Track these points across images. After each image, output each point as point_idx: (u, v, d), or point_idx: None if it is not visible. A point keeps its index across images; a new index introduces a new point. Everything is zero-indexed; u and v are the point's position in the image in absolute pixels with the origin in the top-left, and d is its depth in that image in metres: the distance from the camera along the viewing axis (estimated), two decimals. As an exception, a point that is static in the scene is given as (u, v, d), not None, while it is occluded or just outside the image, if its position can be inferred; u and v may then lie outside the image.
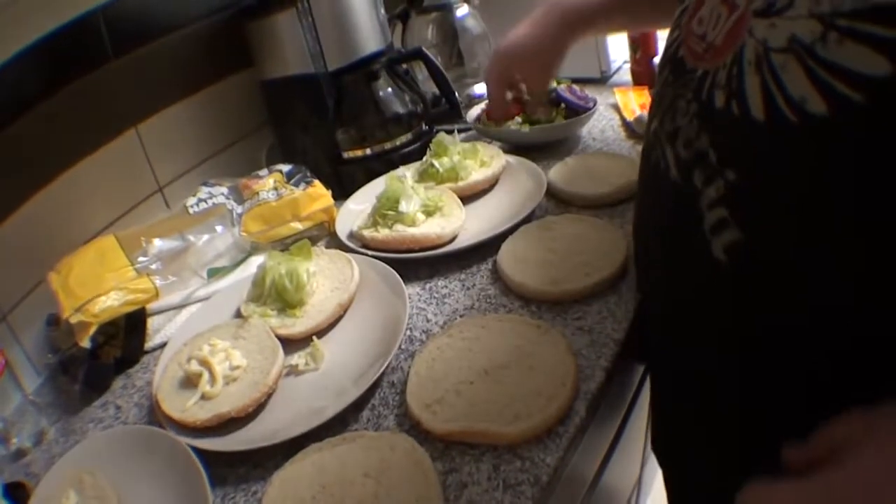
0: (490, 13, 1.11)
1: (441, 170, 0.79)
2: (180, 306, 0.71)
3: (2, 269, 0.66)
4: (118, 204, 0.80)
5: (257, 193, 0.77)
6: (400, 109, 0.91)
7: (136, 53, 0.80)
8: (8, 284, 0.67)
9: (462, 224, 0.71)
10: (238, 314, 0.65)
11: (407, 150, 0.91)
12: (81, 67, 0.74)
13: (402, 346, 0.58)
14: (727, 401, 0.45)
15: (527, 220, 0.70)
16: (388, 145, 0.90)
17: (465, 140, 0.85)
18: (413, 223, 0.70)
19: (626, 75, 1.09)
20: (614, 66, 1.12)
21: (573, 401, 0.47)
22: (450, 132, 0.84)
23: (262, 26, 0.85)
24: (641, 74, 1.03)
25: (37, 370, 0.68)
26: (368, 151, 0.90)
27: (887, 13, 0.29)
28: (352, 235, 0.75)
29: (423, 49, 0.90)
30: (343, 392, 0.52)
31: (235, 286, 0.70)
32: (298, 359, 0.58)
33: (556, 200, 0.76)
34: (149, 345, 0.67)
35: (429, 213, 0.72)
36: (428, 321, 0.60)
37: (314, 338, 0.59)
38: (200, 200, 0.76)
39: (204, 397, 0.53)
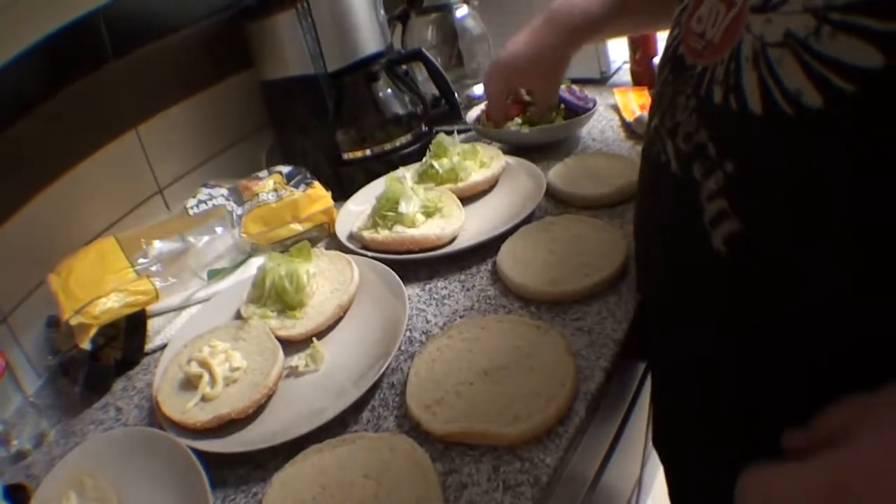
0: (490, 14, 1.11)
1: (441, 171, 0.79)
2: (180, 308, 0.71)
3: (2, 271, 0.66)
4: (118, 205, 0.80)
5: (257, 195, 0.77)
6: (400, 110, 0.91)
7: (136, 54, 0.80)
8: (8, 286, 0.67)
9: (462, 225, 0.71)
10: (238, 316, 0.65)
11: (407, 151, 0.91)
12: (81, 68, 0.74)
13: (402, 348, 0.58)
14: (727, 394, 0.45)
15: (526, 220, 0.70)
16: (387, 146, 0.90)
17: (464, 141, 0.85)
18: (413, 224, 0.71)
19: (625, 76, 1.09)
20: (614, 66, 1.12)
21: (573, 401, 0.47)
22: (449, 133, 0.84)
23: (261, 27, 0.85)
24: (641, 75, 1.03)
25: (37, 372, 0.68)
26: (368, 152, 0.90)
27: (878, 6, 0.29)
28: (351, 237, 0.75)
29: (423, 50, 0.90)
30: (343, 393, 0.52)
31: (235, 288, 0.70)
32: (298, 360, 0.58)
33: (556, 201, 0.76)
34: (149, 346, 0.67)
35: (428, 214, 0.72)
36: (428, 322, 0.60)
37: (314, 339, 0.59)
38: (200, 202, 0.76)
39: (204, 399, 0.53)
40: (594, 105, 0.89)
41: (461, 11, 1.08)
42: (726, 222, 0.38)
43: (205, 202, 0.76)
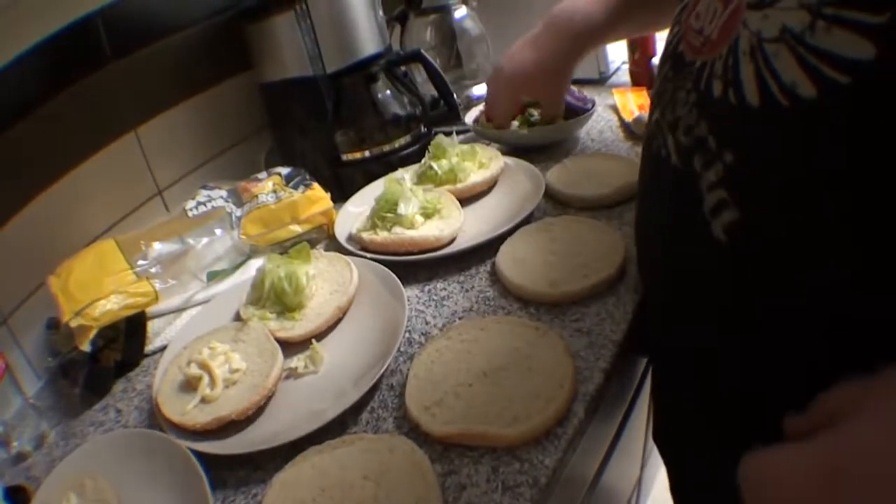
0: (488, 14, 1.11)
1: (440, 172, 0.79)
2: (180, 309, 0.71)
3: (2, 272, 0.66)
4: (118, 207, 0.80)
5: (256, 196, 0.77)
6: (399, 111, 0.91)
7: (136, 56, 0.80)
8: (8, 287, 0.67)
9: (461, 226, 0.71)
10: (237, 317, 0.65)
11: (405, 152, 0.91)
12: (81, 69, 0.74)
13: (401, 349, 0.58)
14: (727, 383, 0.46)
15: (525, 221, 0.70)
16: (386, 147, 0.90)
17: (463, 142, 0.85)
18: (412, 225, 0.71)
19: (624, 76, 1.09)
20: (613, 66, 1.13)
21: (571, 402, 0.47)
22: (448, 134, 0.84)
23: (260, 29, 0.86)
24: (640, 75, 1.03)
25: (37, 374, 0.68)
26: (367, 154, 0.90)
27: (871, 0, 0.30)
28: (351, 238, 0.75)
29: (422, 51, 0.90)
30: (342, 394, 0.52)
31: (235, 289, 0.70)
32: (298, 362, 0.58)
33: (555, 202, 0.76)
34: (149, 348, 0.67)
35: (427, 216, 0.72)
36: (427, 323, 0.61)
37: (313, 340, 0.59)
38: (199, 203, 0.76)
39: (204, 400, 0.53)
40: (593, 106, 0.90)
41: (460, 12, 1.09)
42: (726, 212, 0.39)
43: (204, 204, 0.77)
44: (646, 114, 0.87)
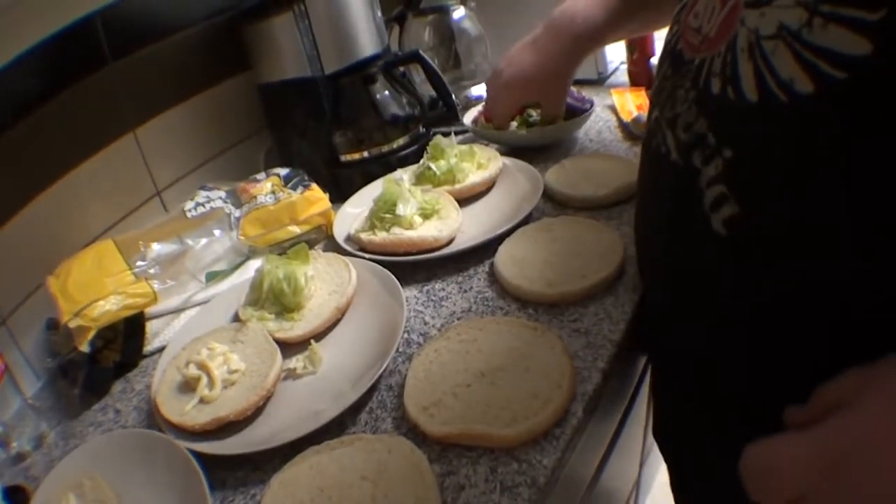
0: (487, 15, 1.11)
1: (438, 172, 0.79)
2: (179, 310, 0.71)
3: (1, 273, 0.66)
4: (116, 208, 0.80)
5: (255, 197, 0.78)
6: (397, 112, 0.91)
7: (134, 56, 0.80)
8: (7, 288, 0.67)
9: (459, 227, 0.71)
10: (236, 318, 0.65)
11: (404, 152, 0.91)
12: (80, 70, 0.74)
13: (400, 349, 0.58)
14: (727, 381, 0.46)
15: (524, 222, 0.70)
16: (385, 148, 0.90)
17: (462, 142, 0.85)
18: (410, 226, 0.71)
19: (623, 76, 1.10)
20: (611, 67, 1.13)
21: (570, 403, 0.47)
22: (447, 135, 0.84)
23: (258, 29, 0.86)
24: (639, 75, 1.03)
25: (36, 374, 0.68)
26: (366, 154, 0.90)
27: None
28: (349, 239, 0.75)
29: (420, 52, 0.90)
30: (341, 395, 0.52)
31: (233, 290, 0.70)
32: (296, 362, 0.58)
33: (553, 202, 0.76)
34: (147, 349, 0.67)
35: (426, 216, 0.73)
36: (425, 324, 0.61)
37: (312, 341, 0.59)
38: (198, 204, 0.77)
39: (202, 401, 0.53)
40: (592, 106, 0.90)
41: (458, 13, 1.09)
42: (726, 206, 0.39)
43: (203, 204, 0.77)
44: (644, 114, 0.87)
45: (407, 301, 0.61)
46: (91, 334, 0.60)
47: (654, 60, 0.99)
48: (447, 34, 1.09)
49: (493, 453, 0.45)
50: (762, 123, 0.37)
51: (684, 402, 0.55)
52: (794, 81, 0.34)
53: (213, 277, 0.74)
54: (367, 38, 0.86)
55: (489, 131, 0.91)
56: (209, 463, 0.48)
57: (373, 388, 0.53)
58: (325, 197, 0.80)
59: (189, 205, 0.76)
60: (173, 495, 0.46)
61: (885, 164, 0.32)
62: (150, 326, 0.69)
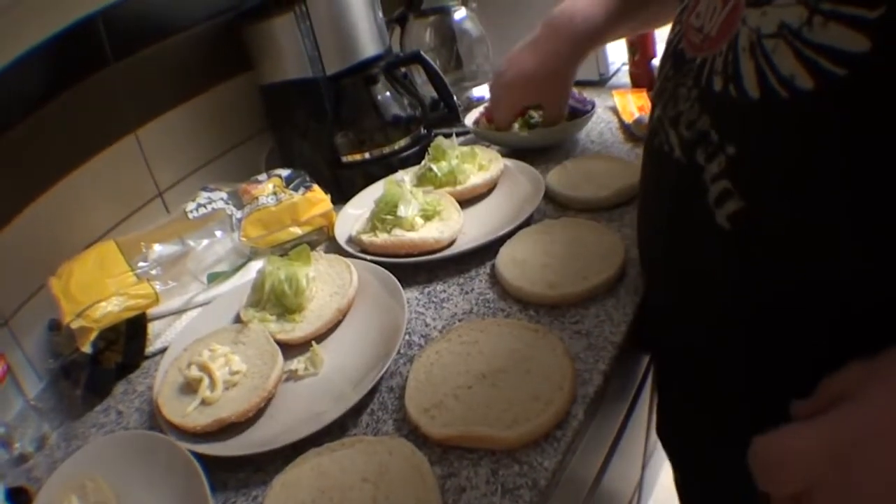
0: (488, 16, 1.11)
1: (439, 174, 0.79)
2: (180, 311, 0.72)
3: (3, 274, 0.66)
4: (118, 209, 0.81)
5: (257, 198, 0.78)
6: (398, 113, 0.91)
7: (136, 57, 0.80)
8: (9, 289, 0.67)
9: (460, 228, 0.71)
10: (237, 319, 0.65)
11: (405, 154, 0.91)
12: (81, 71, 0.74)
13: (401, 351, 0.58)
14: (730, 378, 0.46)
15: (525, 223, 0.70)
16: (386, 149, 0.90)
17: (463, 144, 0.85)
18: (411, 227, 0.71)
19: (624, 77, 1.10)
20: (613, 68, 1.13)
21: (571, 405, 0.47)
22: (448, 136, 0.84)
23: (260, 30, 0.86)
24: (640, 77, 1.03)
25: (38, 375, 0.68)
26: (367, 155, 0.90)
27: None
28: (350, 240, 0.75)
29: (422, 53, 0.90)
30: (342, 397, 0.52)
31: (235, 291, 0.70)
32: (298, 364, 0.58)
33: (555, 204, 0.76)
34: (149, 350, 0.67)
35: (427, 218, 0.73)
36: (427, 325, 0.61)
37: (313, 343, 0.59)
38: (200, 205, 0.77)
39: (204, 402, 0.54)
40: (593, 107, 0.90)
41: (460, 14, 1.09)
42: (730, 201, 0.40)
43: (204, 206, 0.77)
44: (646, 115, 0.87)
45: (408, 302, 0.61)
46: (93, 335, 0.61)
47: (656, 62, 0.99)
48: (448, 35, 1.09)
49: (494, 455, 0.45)
50: (764, 119, 0.37)
51: (685, 401, 0.56)
52: (795, 78, 0.34)
53: (214, 278, 0.74)
54: (368, 39, 0.87)
55: (490, 133, 0.91)
56: (210, 464, 0.48)
57: (374, 390, 0.53)
58: (327, 198, 0.80)
59: (191, 206, 0.76)
60: (175, 496, 0.46)
61: (884, 162, 0.32)
62: (152, 327, 0.69)
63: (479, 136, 0.94)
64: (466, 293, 0.64)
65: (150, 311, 0.68)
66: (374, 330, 0.60)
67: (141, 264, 0.68)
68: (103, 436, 0.57)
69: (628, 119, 0.91)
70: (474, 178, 0.80)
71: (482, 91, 1.09)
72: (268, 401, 0.54)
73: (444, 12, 1.08)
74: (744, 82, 0.38)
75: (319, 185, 0.81)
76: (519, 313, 0.59)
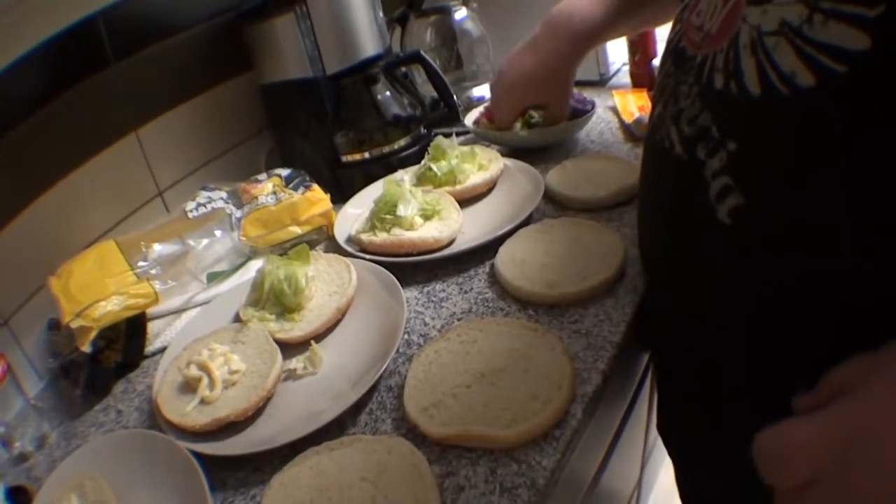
0: (489, 16, 1.11)
1: (439, 173, 0.79)
2: (180, 311, 0.72)
3: (3, 274, 0.66)
4: (118, 208, 0.81)
5: (256, 198, 0.78)
6: (398, 113, 0.91)
7: (136, 57, 0.80)
8: (9, 289, 0.67)
9: (460, 227, 0.71)
10: (237, 318, 0.66)
11: (405, 153, 0.91)
12: (82, 71, 0.75)
13: (400, 350, 0.58)
14: (728, 375, 0.46)
15: (524, 223, 0.70)
16: (386, 149, 0.90)
17: (463, 143, 0.85)
18: (411, 227, 0.71)
19: (624, 77, 1.09)
20: (613, 68, 1.13)
21: (570, 404, 0.47)
22: (448, 135, 0.84)
23: (260, 30, 0.86)
24: (640, 77, 1.03)
25: (38, 374, 0.68)
26: (367, 155, 0.90)
27: None
28: (350, 239, 0.75)
29: (422, 52, 0.90)
30: (341, 396, 0.52)
31: (234, 290, 0.70)
32: (297, 363, 0.58)
33: (554, 204, 0.76)
34: (149, 349, 0.68)
35: (427, 217, 0.73)
36: (425, 325, 0.61)
37: (312, 342, 0.59)
38: (200, 205, 0.77)
39: (203, 401, 0.54)
40: (593, 107, 0.90)
41: (460, 14, 1.09)
42: (731, 197, 0.40)
43: (204, 205, 0.77)
44: (646, 115, 0.87)
45: (407, 302, 0.61)
46: (93, 335, 0.61)
47: (656, 62, 0.99)
48: (449, 35, 1.09)
49: (492, 454, 0.45)
50: (764, 116, 0.38)
51: (685, 397, 0.56)
52: (796, 75, 0.35)
53: (214, 278, 0.74)
54: (368, 39, 0.87)
55: (490, 132, 0.91)
56: (210, 463, 0.48)
57: (373, 389, 0.53)
58: (327, 197, 0.80)
59: (190, 205, 0.76)
60: (174, 496, 0.47)
61: (884, 159, 0.32)
62: (152, 327, 0.69)
63: (479, 136, 0.94)
64: (465, 292, 0.64)
65: (150, 311, 0.68)
66: (373, 329, 0.60)
67: (141, 264, 0.68)
68: (103, 435, 0.57)
69: (628, 119, 0.91)
70: (474, 177, 0.80)
71: (482, 91, 1.09)
72: (267, 400, 0.54)
73: (445, 12, 1.08)
74: (745, 79, 0.38)
75: (319, 184, 0.81)
76: (518, 313, 0.59)
